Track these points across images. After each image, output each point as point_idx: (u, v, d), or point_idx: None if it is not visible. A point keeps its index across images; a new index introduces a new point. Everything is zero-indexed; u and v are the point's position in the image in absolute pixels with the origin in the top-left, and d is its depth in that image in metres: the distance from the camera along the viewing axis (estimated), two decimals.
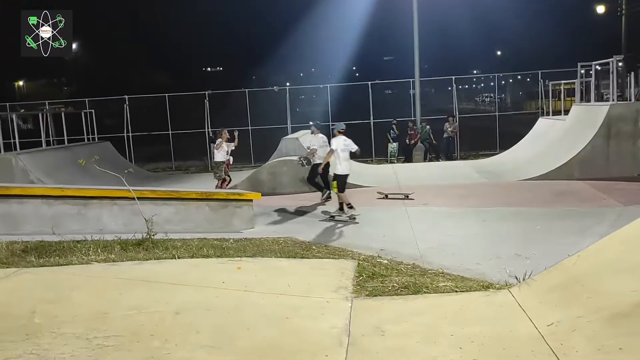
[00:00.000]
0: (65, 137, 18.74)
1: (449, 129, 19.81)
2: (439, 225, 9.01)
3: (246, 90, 21.31)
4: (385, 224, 9.32)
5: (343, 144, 10.16)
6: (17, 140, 15.52)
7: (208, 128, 20.78)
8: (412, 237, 8.19)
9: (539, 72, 20.57)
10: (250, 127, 21.00)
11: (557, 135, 14.43)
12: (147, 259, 5.49)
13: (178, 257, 5.52)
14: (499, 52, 77.55)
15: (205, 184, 16.05)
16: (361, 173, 15.65)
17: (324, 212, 10.51)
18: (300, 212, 10.84)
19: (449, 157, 19.84)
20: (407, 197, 11.62)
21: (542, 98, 20.18)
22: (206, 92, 21.12)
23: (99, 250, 6.00)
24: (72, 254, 5.89)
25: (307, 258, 5.77)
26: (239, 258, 5.51)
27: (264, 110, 22.42)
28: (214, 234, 8.40)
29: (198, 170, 20.74)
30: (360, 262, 5.54)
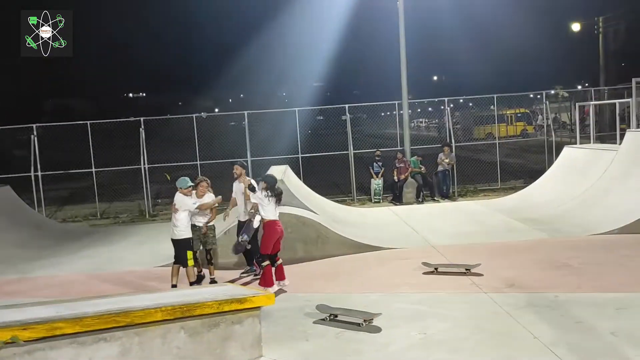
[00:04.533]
0: None
1: (445, 161, 16.38)
2: (602, 345, 5.22)
3: (193, 115, 16.91)
4: (489, 342, 5.43)
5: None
6: None
7: (144, 163, 16.18)
8: None
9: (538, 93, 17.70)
10: (199, 162, 16.65)
11: (616, 171, 11.23)
12: None
13: None
14: (435, 77, 77.15)
15: (155, 244, 11.40)
16: (363, 224, 11.78)
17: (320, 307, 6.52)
18: (299, 302, 6.69)
19: (444, 195, 16.41)
20: (468, 270, 7.85)
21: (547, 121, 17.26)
22: (141, 119, 16.56)
23: None
24: None
25: None
26: None
27: (209, 140, 18.15)
28: None
29: (131, 218, 16.02)
30: None
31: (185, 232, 7.72)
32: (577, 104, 15.63)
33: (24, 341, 3.87)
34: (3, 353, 3.85)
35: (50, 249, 11.61)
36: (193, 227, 8.02)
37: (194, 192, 8.09)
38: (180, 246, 7.71)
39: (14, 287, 8.82)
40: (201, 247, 8.34)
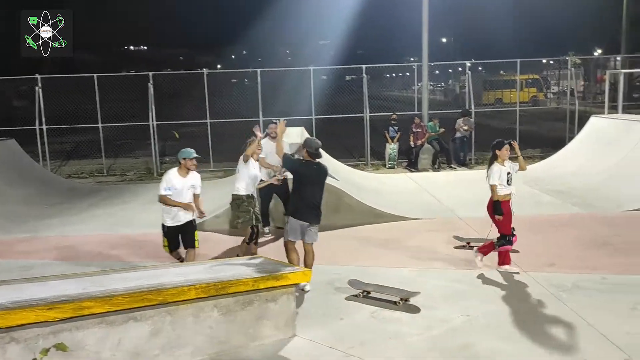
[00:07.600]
0: None
1: (463, 127, 15.87)
2: None
3: (204, 70, 16.17)
4: (541, 329, 5.06)
5: None
6: None
7: (153, 120, 15.61)
8: None
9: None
10: (209, 120, 16.05)
11: None
12: None
13: None
14: (444, 40, 75.36)
15: None
16: (382, 192, 11.34)
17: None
18: (328, 276, 6.31)
19: (461, 162, 15.96)
20: None
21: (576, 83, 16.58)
22: (149, 74, 15.89)
23: None
24: None
25: None
26: None
27: (218, 98, 17.49)
28: None
29: (139, 176, 15.56)
30: None
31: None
32: (607, 72, 15.03)
33: (50, 321, 3.46)
34: (25, 334, 3.44)
35: (59, 207, 11.19)
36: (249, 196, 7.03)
37: (251, 158, 7.03)
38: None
39: (24, 247, 8.45)
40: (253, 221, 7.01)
